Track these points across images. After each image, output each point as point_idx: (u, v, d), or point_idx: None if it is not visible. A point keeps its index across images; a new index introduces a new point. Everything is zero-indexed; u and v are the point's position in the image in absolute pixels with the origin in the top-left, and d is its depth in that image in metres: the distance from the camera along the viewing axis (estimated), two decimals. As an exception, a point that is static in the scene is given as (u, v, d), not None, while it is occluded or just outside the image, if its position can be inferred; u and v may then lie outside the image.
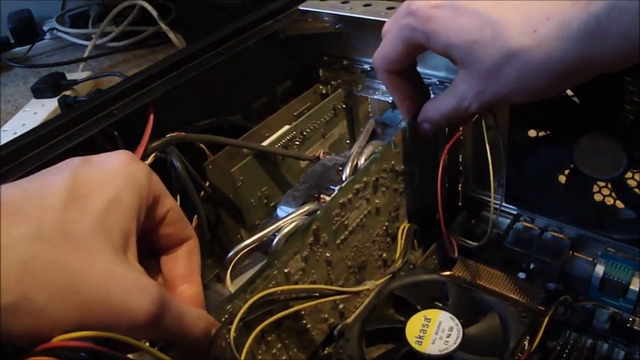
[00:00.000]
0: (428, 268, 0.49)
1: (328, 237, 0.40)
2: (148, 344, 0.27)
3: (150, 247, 0.33)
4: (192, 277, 0.32)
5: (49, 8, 1.28)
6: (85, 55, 1.12)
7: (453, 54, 0.35)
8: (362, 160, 0.45)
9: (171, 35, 1.10)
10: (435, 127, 0.42)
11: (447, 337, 0.39)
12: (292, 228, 0.41)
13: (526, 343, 0.41)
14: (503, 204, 0.51)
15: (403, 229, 0.47)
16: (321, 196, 0.46)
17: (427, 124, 0.42)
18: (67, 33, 1.22)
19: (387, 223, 0.46)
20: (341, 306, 0.43)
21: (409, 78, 0.42)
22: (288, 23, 0.55)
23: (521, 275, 0.49)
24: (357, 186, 0.42)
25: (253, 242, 0.41)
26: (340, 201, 0.40)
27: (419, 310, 0.41)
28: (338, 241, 0.42)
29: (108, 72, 1.06)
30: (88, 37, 1.18)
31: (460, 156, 0.52)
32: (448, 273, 0.50)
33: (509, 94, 0.34)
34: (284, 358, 0.39)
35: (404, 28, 0.37)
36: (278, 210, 0.47)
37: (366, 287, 0.43)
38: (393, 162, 0.44)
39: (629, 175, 0.41)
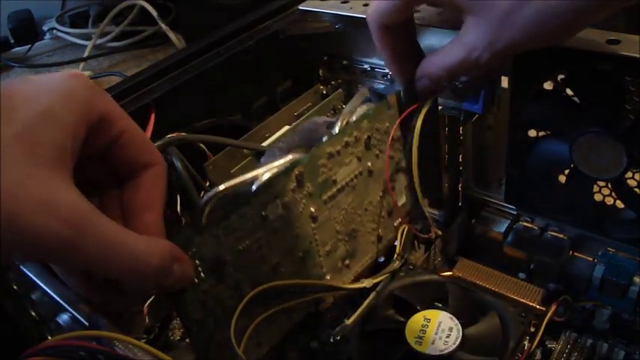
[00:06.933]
0: (428, 269, 0.49)
1: (313, 188, 0.38)
2: (146, 343, 0.27)
3: (113, 174, 0.31)
4: (153, 205, 0.30)
5: (49, 8, 1.28)
6: (85, 54, 1.11)
7: (461, 1, 0.33)
8: (353, 119, 0.42)
9: (171, 35, 1.10)
10: (435, 83, 0.39)
11: (447, 337, 0.39)
12: (275, 174, 0.37)
13: (526, 343, 0.41)
14: (503, 204, 0.51)
15: (402, 230, 0.47)
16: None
17: (426, 80, 0.39)
18: (66, 33, 1.21)
19: (381, 193, 0.45)
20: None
21: (403, 35, 0.40)
22: (288, 23, 0.55)
23: (521, 275, 0.49)
24: (346, 138, 0.40)
25: (231, 186, 0.37)
26: (328, 150, 0.39)
27: (419, 311, 0.41)
28: (325, 197, 0.40)
29: (108, 72, 1.06)
30: (87, 37, 1.17)
31: (460, 156, 0.52)
32: (448, 273, 0.50)
33: (522, 41, 0.32)
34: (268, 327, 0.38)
35: None
36: (262, 159, 0.44)
37: (363, 285, 0.43)
38: (387, 124, 0.43)
39: (629, 175, 0.41)
